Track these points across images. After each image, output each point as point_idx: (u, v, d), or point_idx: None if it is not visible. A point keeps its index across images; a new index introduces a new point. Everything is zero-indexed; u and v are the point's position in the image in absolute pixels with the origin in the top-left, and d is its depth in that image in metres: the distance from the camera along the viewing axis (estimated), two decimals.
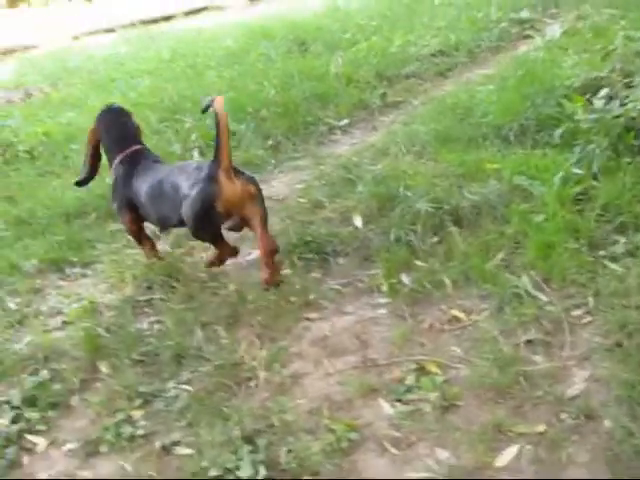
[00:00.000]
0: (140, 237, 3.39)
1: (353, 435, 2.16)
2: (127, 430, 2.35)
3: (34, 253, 3.80)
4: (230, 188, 2.86)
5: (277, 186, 4.21)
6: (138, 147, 3.37)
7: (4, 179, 5.36)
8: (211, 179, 2.83)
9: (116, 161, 3.31)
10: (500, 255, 2.96)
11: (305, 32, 8.02)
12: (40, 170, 5.37)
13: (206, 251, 3.42)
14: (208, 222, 2.92)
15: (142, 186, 3.16)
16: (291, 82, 5.87)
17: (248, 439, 2.20)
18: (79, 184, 3.52)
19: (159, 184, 3.08)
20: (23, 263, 3.72)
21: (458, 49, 6.71)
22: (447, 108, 4.83)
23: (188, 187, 2.88)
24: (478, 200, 3.31)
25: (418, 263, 2.99)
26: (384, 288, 2.87)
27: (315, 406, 2.33)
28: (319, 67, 6.24)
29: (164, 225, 3.30)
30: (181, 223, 3.00)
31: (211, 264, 3.19)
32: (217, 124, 2.86)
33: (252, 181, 2.99)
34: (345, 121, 5.19)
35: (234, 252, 3.13)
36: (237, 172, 2.92)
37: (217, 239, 3.02)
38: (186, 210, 2.88)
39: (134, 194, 3.21)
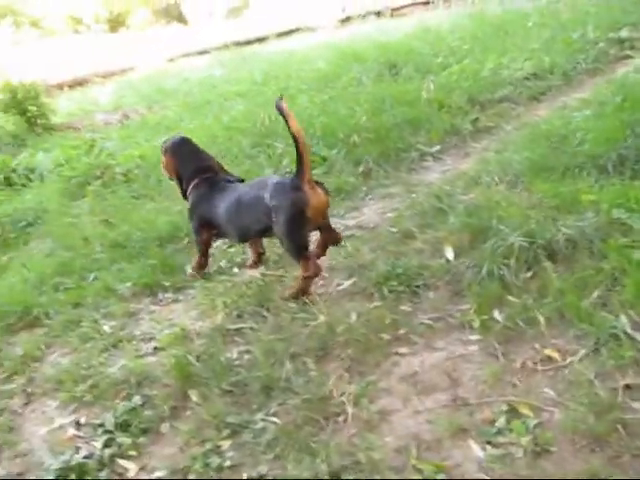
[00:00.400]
0: (206, 255, 3.80)
1: (441, 476, 2.13)
2: (215, 460, 2.39)
3: (129, 277, 3.94)
4: (315, 197, 3.22)
5: (368, 214, 4.22)
6: (210, 174, 3.77)
7: (102, 202, 5.58)
8: (299, 189, 3.18)
9: (191, 186, 3.74)
10: (597, 292, 2.87)
11: (396, 55, 8.05)
12: (135, 193, 5.57)
13: (297, 279, 3.47)
14: (299, 228, 3.22)
15: (220, 205, 3.56)
16: (382, 107, 5.90)
17: (334, 475, 2.21)
18: None
19: (238, 200, 3.48)
20: (118, 286, 3.87)
21: (552, 72, 6.60)
22: (541, 135, 4.74)
23: (274, 199, 3.23)
24: (574, 234, 3.21)
25: (511, 299, 2.93)
26: (475, 324, 2.82)
27: (403, 444, 2.31)
28: (410, 91, 6.25)
29: (244, 237, 3.63)
30: (262, 233, 3.49)
31: (294, 295, 3.30)
32: (296, 141, 3.16)
33: (327, 191, 3.37)
34: (437, 147, 5.17)
35: (318, 269, 3.28)
36: (316, 183, 3.29)
37: (306, 247, 3.28)
38: (279, 218, 3.21)
39: (212, 214, 3.61)
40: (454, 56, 7.49)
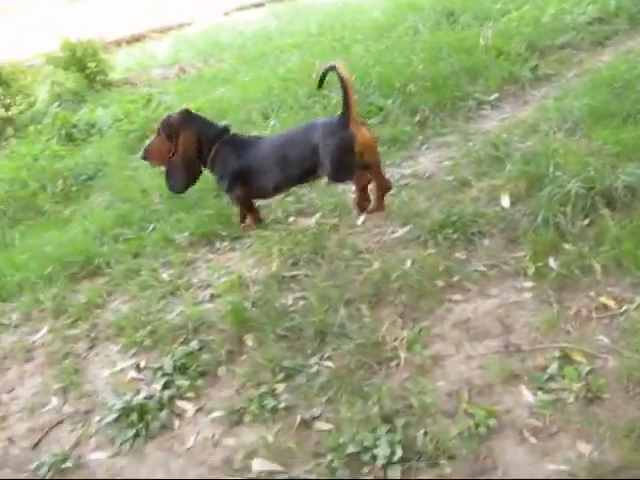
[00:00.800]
0: (251, 206, 3.86)
1: (492, 421, 2.14)
2: (270, 402, 2.46)
3: (186, 227, 4.03)
4: (361, 134, 3.41)
5: (423, 163, 4.18)
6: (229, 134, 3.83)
7: None
8: (346, 127, 3.39)
9: (215, 149, 3.74)
10: None
11: (453, 2, 7.85)
12: None
13: (351, 227, 3.49)
14: (349, 163, 3.43)
15: (258, 155, 3.71)
16: (439, 55, 5.79)
17: (386, 419, 2.24)
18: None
19: (280, 148, 3.64)
20: (176, 236, 3.95)
21: (618, 15, 6.31)
22: (603, 81, 4.58)
23: (324, 138, 3.44)
24: (633, 181, 3.12)
25: (566, 247, 2.88)
26: (530, 272, 2.79)
27: (455, 389, 2.32)
28: (468, 39, 6.11)
29: (284, 183, 3.75)
30: (305, 176, 3.65)
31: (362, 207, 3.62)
32: (342, 83, 3.41)
33: (371, 130, 3.61)
34: (494, 95, 5.06)
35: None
36: (361, 122, 3.53)
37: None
38: (329, 155, 3.41)
39: (245, 168, 3.69)
40: (514, 2, 7.25)
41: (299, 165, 3.58)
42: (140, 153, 3.95)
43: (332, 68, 3.51)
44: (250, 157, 3.71)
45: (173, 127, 3.75)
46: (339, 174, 3.52)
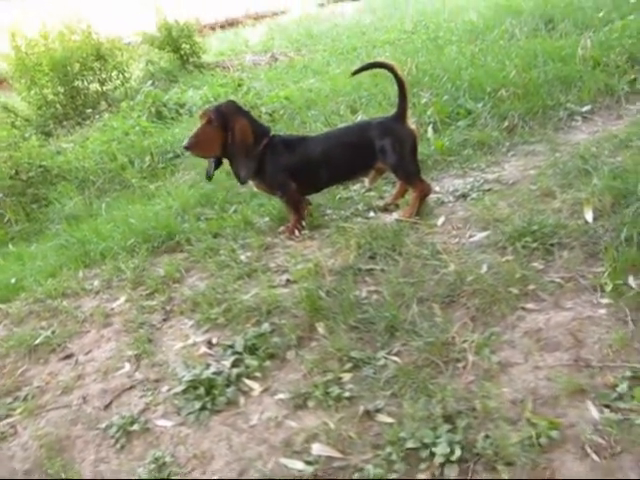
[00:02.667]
0: (300, 204, 3.88)
1: (554, 433, 2.11)
2: (335, 390, 2.49)
3: (267, 211, 4.11)
4: (415, 132, 3.76)
5: (508, 170, 4.15)
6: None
7: None
8: (405, 125, 3.72)
9: (264, 144, 3.80)
10: None
11: (554, 8, 7.72)
12: (277, 132, 5.69)
13: (431, 227, 3.51)
14: (413, 155, 3.74)
15: (311, 151, 3.81)
16: (534, 62, 5.71)
17: (448, 418, 2.25)
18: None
19: (335, 144, 3.81)
20: (257, 220, 4.03)
21: None
22: None
23: (385, 137, 3.67)
24: None
25: None
26: (608, 288, 2.73)
27: (519, 397, 2.31)
28: (565, 48, 5.98)
29: (345, 178, 3.98)
30: (360, 171, 3.89)
31: (410, 213, 3.70)
32: (399, 83, 3.67)
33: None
34: (587, 107, 4.96)
35: (429, 188, 3.78)
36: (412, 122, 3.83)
37: (419, 172, 3.77)
38: (396, 151, 3.66)
39: (299, 163, 3.79)
40: (618, 10, 7.05)
41: (353, 161, 3.79)
42: (185, 142, 3.74)
43: (387, 67, 3.78)
44: (304, 153, 3.81)
45: (228, 116, 3.71)
46: (408, 168, 3.72)
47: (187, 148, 3.75)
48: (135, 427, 2.60)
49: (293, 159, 3.78)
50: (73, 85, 10.18)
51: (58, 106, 10.14)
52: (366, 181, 4.23)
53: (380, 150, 3.67)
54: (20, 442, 2.71)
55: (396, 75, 3.68)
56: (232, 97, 6.96)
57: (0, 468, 2.58)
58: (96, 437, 2.63)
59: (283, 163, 3.77)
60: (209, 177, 3.95)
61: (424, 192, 3.70)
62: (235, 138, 3.69)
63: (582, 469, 2.01)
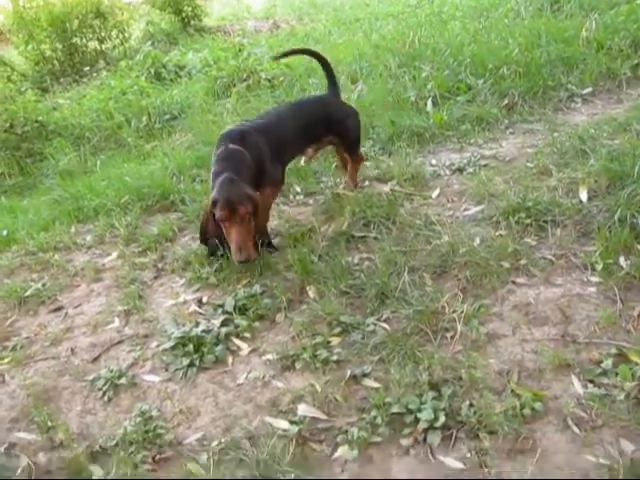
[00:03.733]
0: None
1: (538, 405, 2.14)
2: (323, 353, 2.52)
3: None
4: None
5: (506, 147, 4.15)
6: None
7: (245, 104, 5.77)
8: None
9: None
10: None
11: None
12: (278, 99, 5.69)
13: (426, 199, 3.51)
14: (360, 129, 3.81)
15: (280, 135, 3.41)
16: (537, 42, 5.69)
17: (434, 386, 2.27)
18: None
19: (294, 125, 3.50)
20: None
21: None
22: None
23: (337, 112, 3.70)
24: None
25: (639, 248, 2.84)
26: (598, 267, 2.75)
27: (505, 368, 2.33)
28: (570, 29, 5.95)
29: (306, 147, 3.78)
30: (319, 139, 3.71)
31: (354, 180, 3.82)
32: (325, 66, 3.77)
33: None
34: (588, 90, 4.95)
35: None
36: None
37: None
38: (347, 125, 3.71)
39: (275, 150, 3.36)
40: None
41: (309, 136, 3.65)
42: (242, 257, 3.00)
43: (312, 54, 3.93)
44: (278, 137, 3.39)
45: (253, 198, 3.08)
46: (357, 137, 3.79)
47: (248, 260, 3.02)
48: (123, 381, 2.61)
49: (269, 152, 3.34)
50: (71, 42, 10.10)
51: (55, 62, 10.07)
52: (303, 159, 4.18)
53: (336, 124, 3.67)
54: (7, 391, 2.72)
55: (322, 61, 3.78)
56: (232, 61, 6.92)
57: None
58: (83, 389, 2.64)
59: (272, 161, 3.37)
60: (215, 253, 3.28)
61: (362, 161, 3.91)
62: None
63: (562, 440, 2.04)
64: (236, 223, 2.96)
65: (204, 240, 3.24)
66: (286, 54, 4.24)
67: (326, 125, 3.64)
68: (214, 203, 3.00)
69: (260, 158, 3.24)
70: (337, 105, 3.80)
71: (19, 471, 2.27)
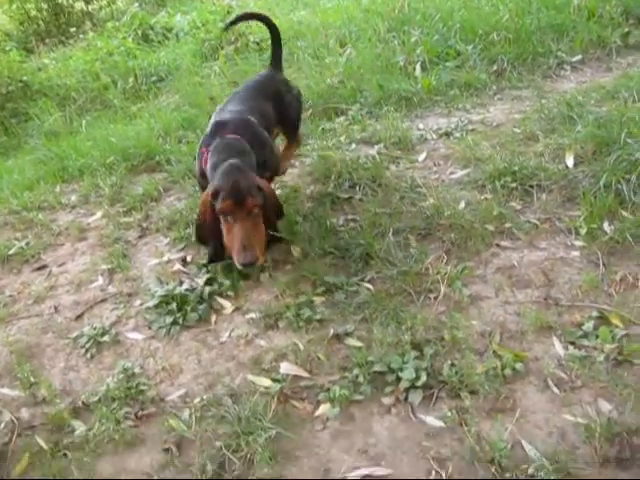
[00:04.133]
0: None
1: (519, 365, 2.16)
2: (306, 312, 2.53)
3: None
4: None
5: (494, 112, 4.14)
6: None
7: (232, 66, 5.71)
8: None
9: None
10: None
11: None
12: (265, 62, 5.62)
13: (412, 162, 3.50)
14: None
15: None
16: (528, 8, 5.61)
17: (416, 346, 2.29)
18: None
19: (266, 108, 3.22)
20: None
21: None
22: None
23: (290, 91, 3.48)
24: None
25: (624, 214, 2.83)
26: (582, 231, 2.77)
27: (487, 330, 2.35)
28: None
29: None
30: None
31: (285, 165, 3.52)
32: (274, 35, 3.52)
33: None
34: (578, 57, 4.92)
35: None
36: None
37: None
38: (293, 104, 3.47)
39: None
40: None
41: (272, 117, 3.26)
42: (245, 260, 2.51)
43: (260, 19, 3.61)
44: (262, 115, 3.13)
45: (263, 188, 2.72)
46: (299, 117, 3.57)
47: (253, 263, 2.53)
48: (106, 338, 2.61)
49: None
50: (57, 2, 9.93)
51: (41, 23, 9.91)
52: None
53: (279, 101, 3.34)
54: None
55: (270, 26, 3.52)
56: (220, 24, 6.83)
57: None
58: (66, 346, 2.64)
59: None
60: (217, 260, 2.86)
61: (299, 145, 3.74)
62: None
63: (542, 400, 2.06)
64: (241, 217, 2.51)
65: (201, 240, 2.81)
66: (234, 22, 3.85)
67: (274, 103, 3.30)
68: (215, 194, 2.54)
69: (262, 147, 2.90)
70: (282, 81, 3.50)
71: (2, 425, 2.28)
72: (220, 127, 2.90)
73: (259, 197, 2.54)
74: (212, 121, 3.04)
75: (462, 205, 3.02)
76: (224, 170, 2.59)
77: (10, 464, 2.14)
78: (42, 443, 2.18)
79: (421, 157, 3.61)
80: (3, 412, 2.35)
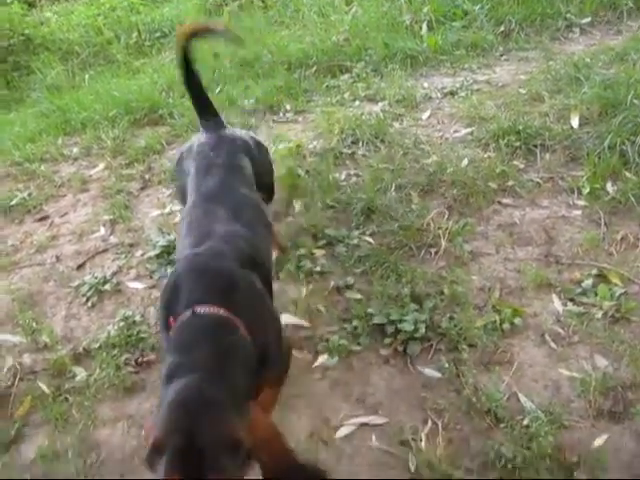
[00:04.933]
0: None
1: (517, 320, 2.18)
2: (307, 265, 2.54)
3: (253, 93, 4.05)
4: None
5: (499, 73, 4.10)
6: None
7: (237, 23, 5.63)
8: None
9: None
10: None
11: None
12: (271, 20, 5.57)
13: (416, 120, 3.47)
14: None
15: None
16: None
17: (416, 299, 2.30)
18: None
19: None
20: (242, 101, 3.98)
21: None
22: None
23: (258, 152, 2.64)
24: None
25: (627, 174, 2.82)
26: (585, 191, 2.76)
27: (487, 285, 2.36)
28: None
29: None
30: None
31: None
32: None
33: None
34: (587, 19, 4.84)
35: None
36: None
37: None
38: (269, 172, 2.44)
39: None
40: None
41: None
42: None
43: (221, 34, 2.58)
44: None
45: None
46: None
47: None
48: (107, 287, 2.63)
49: None
50: None
51: None
52: None
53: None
54: None
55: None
56: None
57: None
58: (68, 295, 2.66)
59: None
60: None
61: None
62: None
63: (539, 354, 2.08)
64: None
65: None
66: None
67: None
68: (156, 448, 1.19)
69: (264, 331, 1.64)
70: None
71: (4, 370, 2.30)
72: (191, 278, 1.62)
73: (232, 468, 1.20)
74: (180, 245, 1.88)
75: (465, 162, 3.01)
76: (176, 402, 1.28)
77: (13, 407, 2.17)
78: (44, 387, 2.21)
79: (425, 115, 3.59)
80: (5, 357, 2.37)
